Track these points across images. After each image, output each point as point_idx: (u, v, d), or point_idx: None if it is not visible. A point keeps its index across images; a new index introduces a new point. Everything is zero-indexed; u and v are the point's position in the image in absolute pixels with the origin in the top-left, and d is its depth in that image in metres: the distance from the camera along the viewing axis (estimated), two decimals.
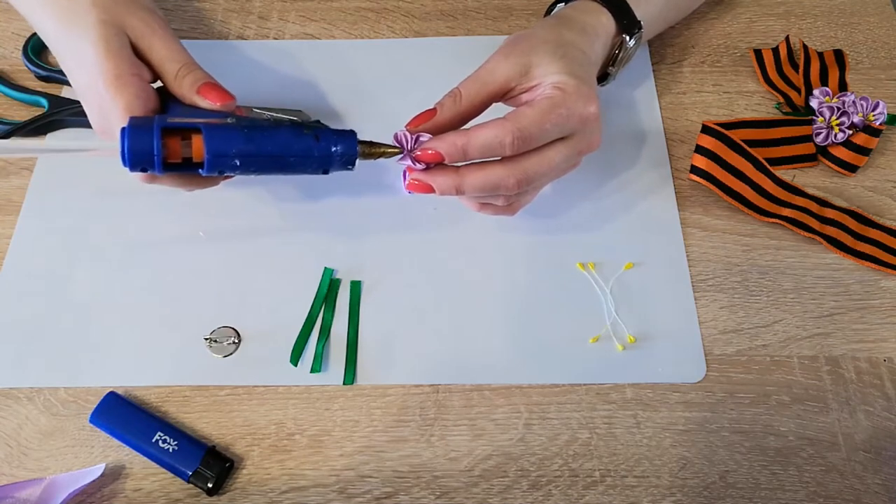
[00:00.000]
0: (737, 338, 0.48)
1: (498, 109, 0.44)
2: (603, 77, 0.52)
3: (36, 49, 0.59)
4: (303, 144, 0.41)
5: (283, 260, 0.51)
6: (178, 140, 0.40)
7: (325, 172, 0.43)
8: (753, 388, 0.47)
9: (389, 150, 0.43)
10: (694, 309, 0.49)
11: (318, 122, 0.44)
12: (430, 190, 0.43)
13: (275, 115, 0.44)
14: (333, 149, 0.42)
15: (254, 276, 0.50)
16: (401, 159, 0.43)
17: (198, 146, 0.40)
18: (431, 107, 0.43)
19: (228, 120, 0.41)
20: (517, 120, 0.41)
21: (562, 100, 0.42)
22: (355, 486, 0.44)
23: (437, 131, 0.43)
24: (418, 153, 0.42)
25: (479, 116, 0.44)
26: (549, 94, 0.42)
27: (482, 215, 0.52)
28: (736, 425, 0.46)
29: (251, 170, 0.41)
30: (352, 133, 0.43)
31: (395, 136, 0.43)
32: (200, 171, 0.41)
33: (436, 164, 0.42)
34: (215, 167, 0.40)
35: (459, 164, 0.42)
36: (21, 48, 0.58)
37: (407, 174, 0.43)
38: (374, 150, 0.43)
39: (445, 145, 0.41)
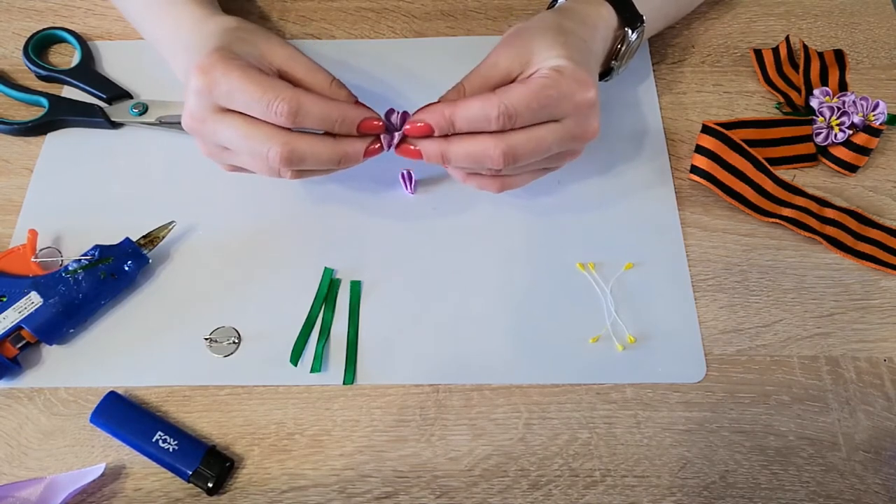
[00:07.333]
0: (737, 338, 0.48)
1: None
2: (607, 72, 0.52)
3: (36, 49, 0.59)
4: (108, 286, 0.48)
5: (283, 260, 0.51)
6: (8, 342, 0.45)
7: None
8: (753, 388, 0.47)
9: (164, 232, 0.50)
10: (694, 309, 0.49)
11: (110, 257, 0.48)
12: (419, 155, 0.43)
13: (81, 263, 0.47)
14: (127, 268, 0.48)
15: (254, 276, 0.50)
16: (391, 139, 0.44)
17: (28, 334, 0.46)
18: (436, 101, 0.43)
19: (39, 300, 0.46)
20: (506, 95, 0.41)
21: (556, 82, 0.41)
22: (355, 486, 0.44)
23: None
24: (408, 127, 0.43)
25: None
26: (544, 75, 0.42)
27: (481, 216, 0.52)
28: (736, 425, 0.46)
29: (83, 321, 0.48)
30: (126, 240, 0.49)
31: (387, 114, 0.44)
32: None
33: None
34: (53, 340, 0.47)
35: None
36: (21, 48, 0.58)
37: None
38: (152, 237, 0.49)
39: (434, 116, 0.42)
